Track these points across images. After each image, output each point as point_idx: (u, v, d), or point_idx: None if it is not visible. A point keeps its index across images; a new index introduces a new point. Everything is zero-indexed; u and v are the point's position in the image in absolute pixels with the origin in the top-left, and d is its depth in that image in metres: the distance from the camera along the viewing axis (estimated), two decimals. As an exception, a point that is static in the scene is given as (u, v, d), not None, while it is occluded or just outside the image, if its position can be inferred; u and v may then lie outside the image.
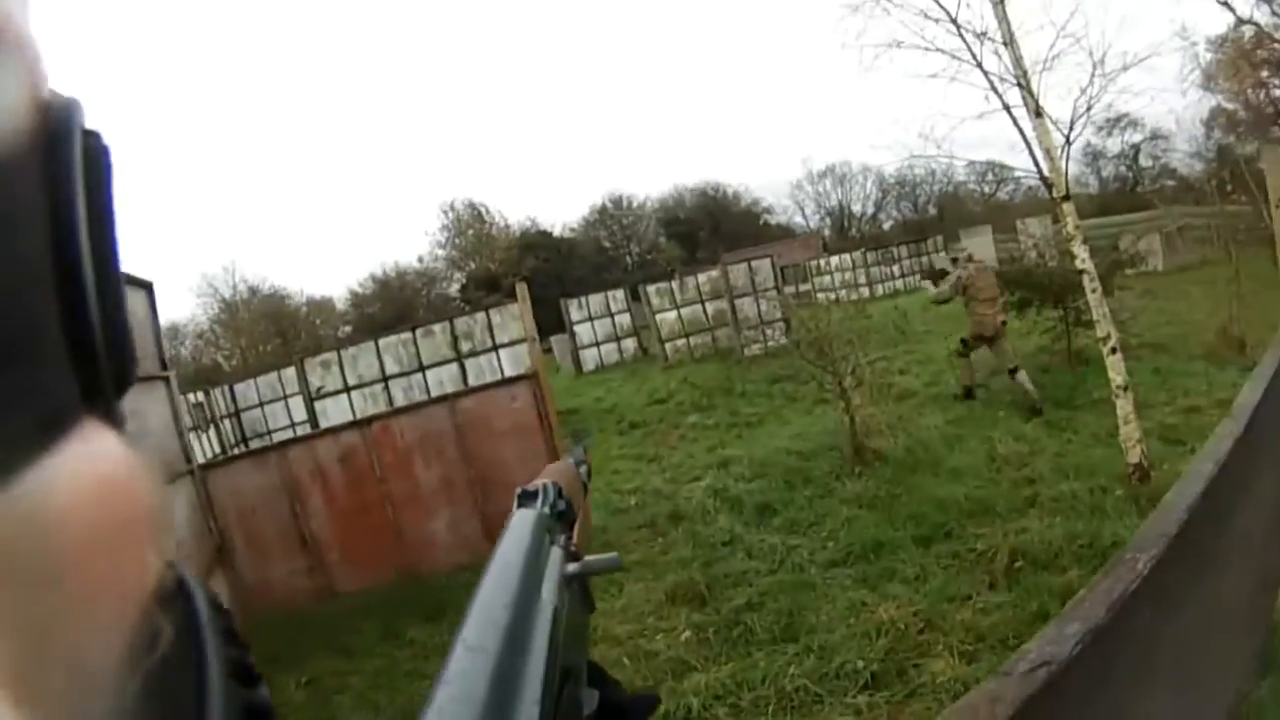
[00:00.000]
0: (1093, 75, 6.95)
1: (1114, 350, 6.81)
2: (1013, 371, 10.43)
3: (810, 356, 9.46)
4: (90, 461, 0.24)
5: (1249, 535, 2.88)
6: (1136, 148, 40.22)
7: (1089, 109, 7.01)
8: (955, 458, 8.31)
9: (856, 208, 59.32)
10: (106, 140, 0.28)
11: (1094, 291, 6.90)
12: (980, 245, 25.27)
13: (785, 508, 7.83)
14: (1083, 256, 6.86)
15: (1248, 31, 29.18)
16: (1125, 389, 6.75)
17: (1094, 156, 40.69)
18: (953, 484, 7.47)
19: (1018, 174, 28.09)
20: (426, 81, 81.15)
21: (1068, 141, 6.94)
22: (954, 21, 6.83)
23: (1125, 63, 7.20)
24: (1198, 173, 31.18)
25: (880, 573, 6.09)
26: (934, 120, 7.65)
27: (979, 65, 6.86)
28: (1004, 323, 10.84)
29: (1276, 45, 28.83)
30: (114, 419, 0.27)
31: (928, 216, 52.82)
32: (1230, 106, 29.74)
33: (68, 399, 0.25)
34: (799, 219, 60.14)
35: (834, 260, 32.94)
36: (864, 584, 5.97)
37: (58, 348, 0.24)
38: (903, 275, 31.59)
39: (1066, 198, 6.84)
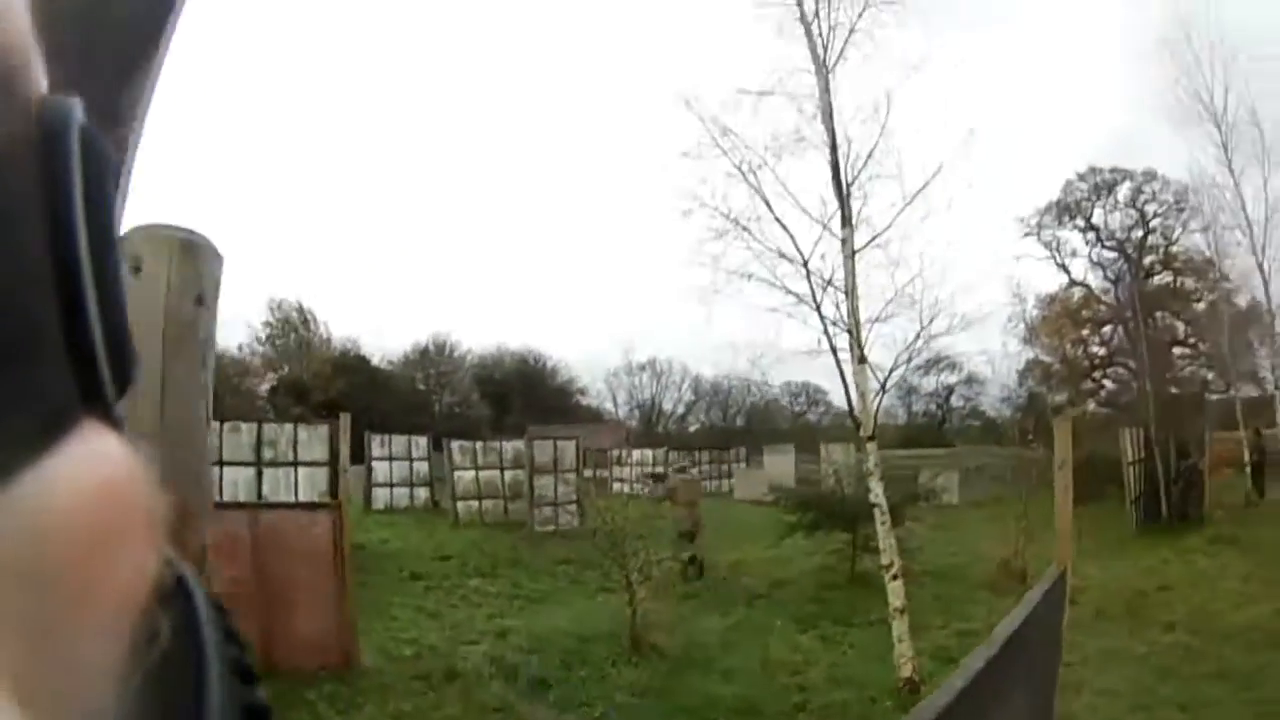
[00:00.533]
0: (919, 333, 7.71)
1: (895, 577, 7.39)
2: (691, 560, 12.55)
3: (604, 546, 9.70)
4: (90, 462, 0.25)
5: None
6: (950, 388, 42.66)
7: (909, 361, 7.73)
8: (730, 659, 8.57)
9: (668, 406, 60.68)
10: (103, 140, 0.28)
11: (883, 524, 7.55)
12: (782, 463, 26.11)
13: (559, 685, 7.84)
14: (877, 492, 7.50)
15: (1078, 292, 32.38)
16: (902, 611, 7.30)
17: (907, 391, 42.74)
18: (725, 684, 7.73)
19: (830, 398, 29.31)
20: (281, 169, 79.23)
21: (883, 389, 7.59)
22: (805, 265, 7.50)
23: (950, 325, 8.01)
24: (1005, 416, 33.39)
25: (648, 760, 6.20)
26: (765, 351, 8.29)
27: (818, 309, 7.50)
28: (700, 523, 13.07)
29: (1101, 306, 31.78)
30: (113, 420, 0.27)
31: (735, 426, 54.47)
32: (1047, 359, 32.06)
33: (67, 400, 0.25)
34: (610, 405, 61.08)
35: (636, 454, 33.33)
36: (630, 769, 6.07)
37: (57, 348, 0.25)
38: (704, 480, 32.11)
39: (872, 438, 7.48)
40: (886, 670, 7.60)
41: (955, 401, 43.57)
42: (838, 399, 8.02)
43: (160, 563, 0.28)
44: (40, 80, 0.25)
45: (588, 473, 23.29)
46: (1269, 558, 12.94)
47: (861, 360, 7.43)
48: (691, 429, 57.99)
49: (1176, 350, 29.31)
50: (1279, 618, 9.72)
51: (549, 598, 12.37)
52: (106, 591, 0.25)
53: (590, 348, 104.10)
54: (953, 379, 41.62)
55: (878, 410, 7.61)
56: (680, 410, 61.14)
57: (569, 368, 61.35)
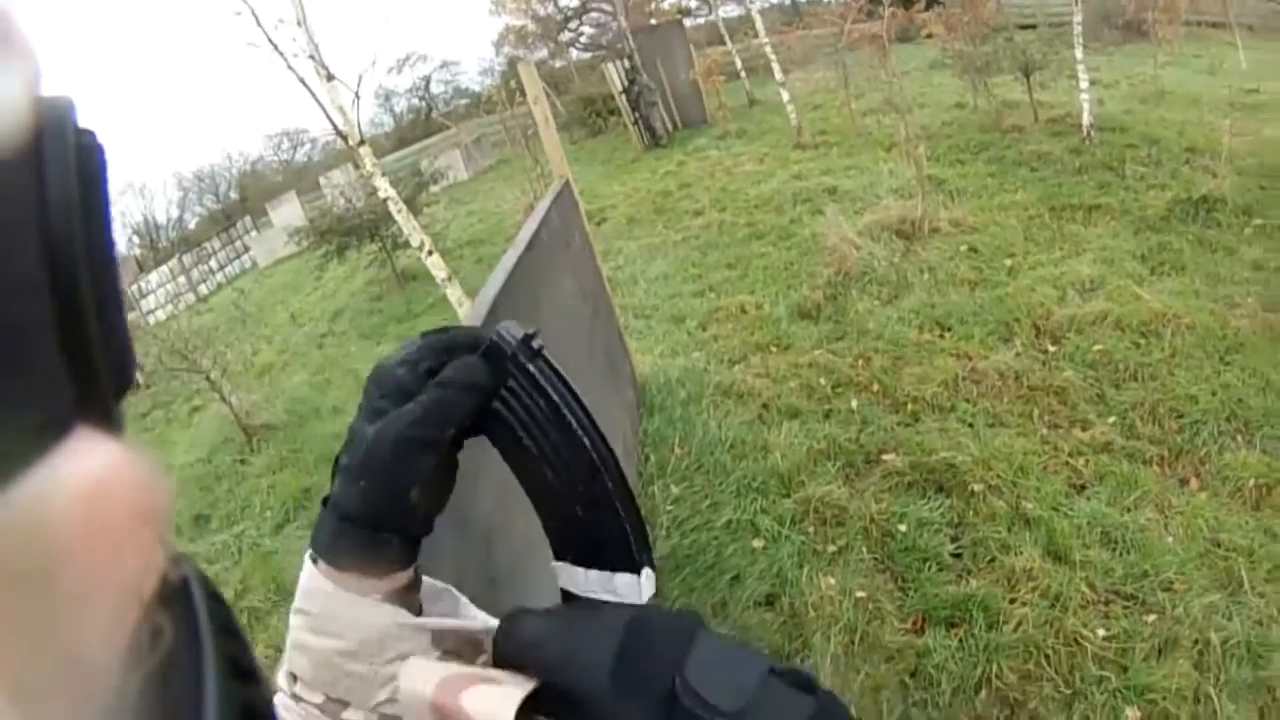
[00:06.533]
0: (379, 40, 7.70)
1: (430, 253, 7.92)
2: None
3: (177, 364, 8.97)
4: (88, 465, 0.25)
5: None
6: (427, 79, 41.14)
7: (374, 64, 7.70)
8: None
9: (161, 217, 55.65)
10: (100, 139, 0.28)
11: (400, 211, 8.00)
12: (289, 211, 24.98)
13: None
14: (384, 187, 7.89)
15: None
16: (450, 278, 7.91)
17: (386, 96, 41.01)
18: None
19: (313, 134, 27.80)
20: None
21: (357, 96, 7.72)
22: (253, 14, 7.27)
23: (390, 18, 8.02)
24: (490, 85, 33.00)
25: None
26: (249, 111, 8.03)
27: (276, 48, 7.38)
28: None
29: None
30: (112, 422, 0.27)
31: (232, 201, 51.06)
32: (518, 23, 31.31)
33: (64, 403, 0.25)
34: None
35: (154, 277, 30.19)
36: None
37: (53, 351, 0.24)
38: (221, 267, 29.98)
39: (362, 143, 7.73)
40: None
41: (437, 89, 42.76)
42: (323, 130, 7.94)
43: (161, 562, 0.28)
44: (37, 79, 0.25)
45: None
46: (776, 140, 14.40)
47: (330, 79, 7.50)
48: (192, 225, 53.77)
49: (652, -16, 29.90)
50: (795, 182, 11.10)
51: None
52: (105, 592, 0.25)
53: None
54: (427, 69, 40.59)
55: (359, 117, 7.73)
56: (175, 214, 56.10)
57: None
